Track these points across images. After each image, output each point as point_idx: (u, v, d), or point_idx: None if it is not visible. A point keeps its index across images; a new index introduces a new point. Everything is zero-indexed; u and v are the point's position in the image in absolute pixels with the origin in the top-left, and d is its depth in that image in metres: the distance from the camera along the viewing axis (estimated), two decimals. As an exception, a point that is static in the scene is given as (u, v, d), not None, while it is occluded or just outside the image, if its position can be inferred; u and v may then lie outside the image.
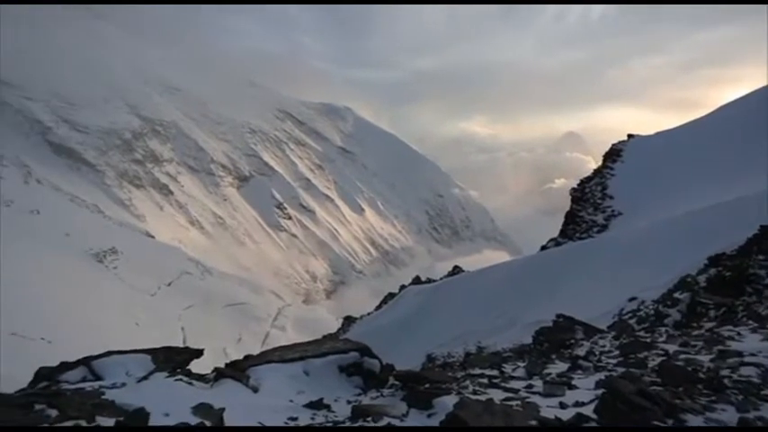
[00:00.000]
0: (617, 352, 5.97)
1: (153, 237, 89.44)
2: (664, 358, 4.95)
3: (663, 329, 7.29)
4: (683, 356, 4.95)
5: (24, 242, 62.11)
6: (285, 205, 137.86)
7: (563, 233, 21.56)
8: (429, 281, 24.28)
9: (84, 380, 5.03)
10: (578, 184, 23.03)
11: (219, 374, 5.23)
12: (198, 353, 6.03)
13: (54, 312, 52.75)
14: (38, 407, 3.45)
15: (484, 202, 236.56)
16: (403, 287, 24.29)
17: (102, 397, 3.97)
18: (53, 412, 3.40)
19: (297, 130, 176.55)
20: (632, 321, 8.73)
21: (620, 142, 24.07)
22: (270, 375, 5.25)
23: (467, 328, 13.69)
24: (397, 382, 5.13)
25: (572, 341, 7.60)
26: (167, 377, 5.07)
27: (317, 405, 4.47)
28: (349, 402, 4.65)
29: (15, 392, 4.18)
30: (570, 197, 22.76)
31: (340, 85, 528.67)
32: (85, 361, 5.33)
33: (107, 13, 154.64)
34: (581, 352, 6.49)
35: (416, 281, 25.07)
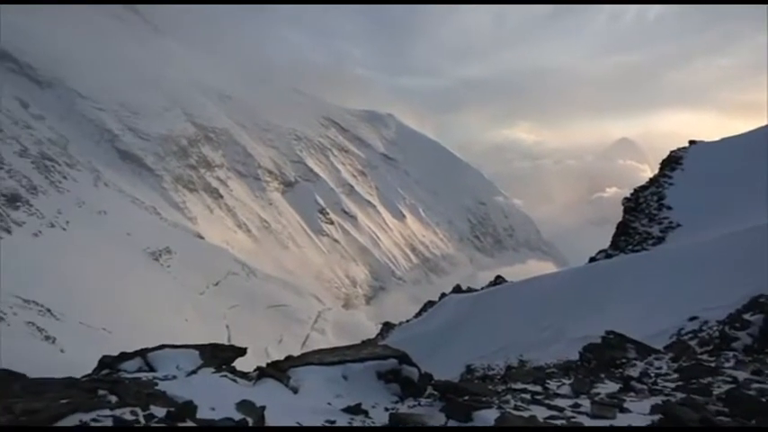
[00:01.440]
0: (676, 375, 5.56)
1: (203, 238, 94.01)
2: (732, 386, 4.54)
3: (730, 354, 6.70)
4: (755, 385, 4.51)
5: (92, 239, 67.37)
6: (328, 210, 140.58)
7: (614, 245, 20.45)
8: (470, 290, 23.80)
9: (139, 370, 5.39)
10: (632, 194, 21.73)
11: (262, 373, 5.41)
12: (242, 351, 6.28)
13: (114, 305, 56.68)
14: (101, 392, 3.73)
15: (528, 210, 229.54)
16: (443, 295, 23.96)
17: (156, 388, 4.22)
18: (113, 398, 3.66)
19: (340, 137, 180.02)
20: (693, 343, 8.10)
21: (680, 149, 22.50)
22: (309, 377, 5.35)
23: (509, 341, 13.29)
24: (435, 392, 5.06)
25: (623, 360, 7.18)
26: (213, 373, 5.32)
27: (354, 410, 4.50)
28: (387, 410, 4.64)
29: (82, 377, 4.57)
30: (623, 207, 21.53)
31: (383, 92, 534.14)
32: (142, 352, 5.71)
33: (169, 30, 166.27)
34: (634, 373, 6.11)
35: (457, 289, 24.64)
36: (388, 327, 25.33)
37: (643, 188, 21.41)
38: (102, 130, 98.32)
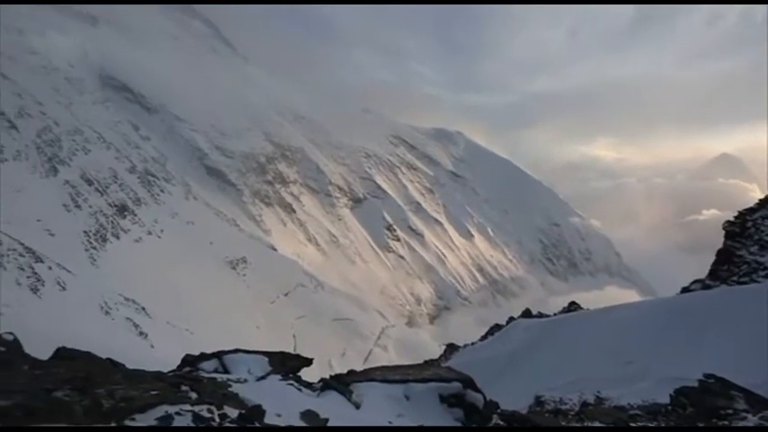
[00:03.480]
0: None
1: (276, 250, 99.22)
2: None
3: None
4: None
5: (181, 247, 74.25)
6: (395, 227, 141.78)
7: (713, 274, 18.09)
8: (541, 315, 22.44)
9: (216, 370, 5.81)
10: (736, 217, 18.97)
11: (326, 385, 5.54)
12: (308, 361, 6.51)
13: (196, 307, 61.57)
14: (183, 388, 4.07)
15: (608, 232, 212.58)
16: (511, 319, 22.82)
17: (229, 389, 4.51)
18: (193, 395, 3.97)
19: (409, 155, 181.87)
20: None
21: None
22: (371, 393, 5.38)
23: (584, 374, 12.25)
24: (501, 422, 4.83)
25: (729, 411, 6.29)
26: (281, 380, 5.56)
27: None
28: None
29: (168, 372, 5.03)
30: (724, 232, 18.92)
31: (452, 109, 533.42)
32: (218, 354, 6.15)
33: (254, 58, 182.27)
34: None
35: (527, 314, 23.36)
36: (451, 348, 24.63)
37: (752, 210, 18.67)
38: (195, 149, 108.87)
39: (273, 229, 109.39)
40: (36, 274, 42.45)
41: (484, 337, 23.63)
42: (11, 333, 5.80)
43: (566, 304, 24.12)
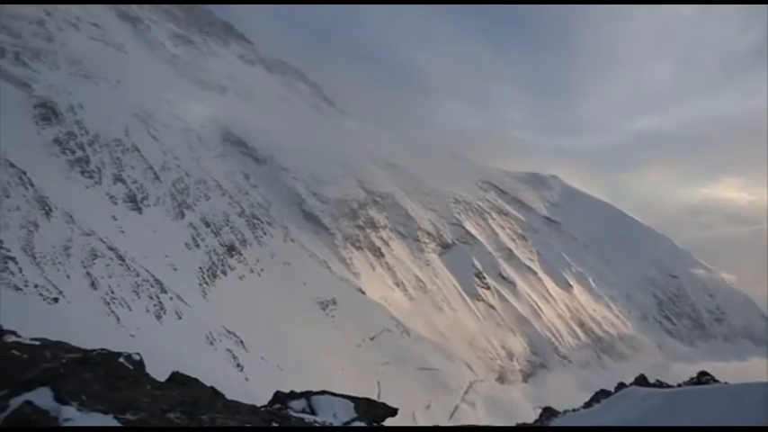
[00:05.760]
0: None
1: (364, 293, 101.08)
2: None
3: None
4: None
5: (278, 286, 79.57)
6: (485, 275, 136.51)
7: None
8: (660, 384, 19.23)
9: (303, 410, 5.96)
10: None
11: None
12: (393, 411, 6.36)
13: (287, 345, 64.38)
14: (274, 424, 4.26)
15: (745, 288, 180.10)
16: (622, 385, 19.94)
17: (314, 431, 4.58)
18: (280, 433, 4.12)
19: (499, 200, 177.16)
20: None
21: None
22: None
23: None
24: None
25: None
26: (365, 428, 5.50)
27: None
28: None
29: (261, 407, 5.31)
30: None
31: (545, 153, 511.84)
32: (307, 395, 6.33)
33: (350, 111, 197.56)
34: None
35: (641, 381, 20.22)
36: (549, 413, 22.19)
37: None
38: (294, 195, 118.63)
39: (363, 273, 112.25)
40: (161, 303, 48.48)
41: (588, 404, 20.87)
42: (138, 353, 6.68)
43: (693, 373, 20.42)
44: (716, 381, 18.56)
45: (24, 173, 46.63)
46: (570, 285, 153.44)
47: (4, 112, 60.39)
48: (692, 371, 21.08)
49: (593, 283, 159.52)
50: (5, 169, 44.89)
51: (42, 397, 5.16)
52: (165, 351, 33.65)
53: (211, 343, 49.53)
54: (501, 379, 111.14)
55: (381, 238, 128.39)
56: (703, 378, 19.17)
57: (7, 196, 42.72)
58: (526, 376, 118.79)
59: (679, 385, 18.61)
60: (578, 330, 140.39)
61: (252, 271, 78.62)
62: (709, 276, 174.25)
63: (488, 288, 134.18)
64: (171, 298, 50.62)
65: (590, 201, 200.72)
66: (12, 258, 36.79)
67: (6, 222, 40.21)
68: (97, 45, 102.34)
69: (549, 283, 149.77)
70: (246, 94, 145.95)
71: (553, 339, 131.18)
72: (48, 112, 68.01)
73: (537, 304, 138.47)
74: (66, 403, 5.16)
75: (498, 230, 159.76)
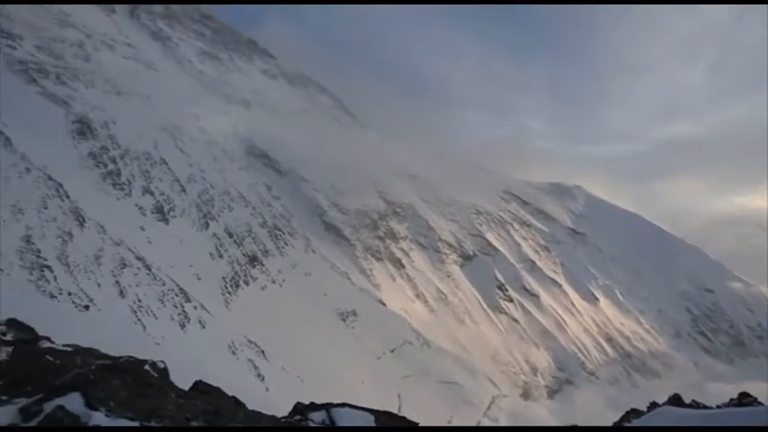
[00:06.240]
0: None
1: (384, 305, 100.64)
2: None
3: None
4: None
5: (299, 297, 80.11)
6: (507, 287, 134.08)
7: None
8: (697, 405, 18.26)
9: (323, 422, 5.95)
10: None
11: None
12: (414, 427, 6.27)
13: (308, 356, 64.47)
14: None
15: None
16: (655, 405, 19.06)
17: (335, 443, 4.57)
18: (302, 445, 4.12)
19: (522, 211, 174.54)
20: None
21: None
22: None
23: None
24: None
25: None
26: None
27: None
28: None
29: (281, 417, 5.33)
30: None
31: (569, 163, 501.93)
32: (327, 407, 6.32)
33: (370, 124, 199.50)
34: None
35: (675, 401, 19.22)
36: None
37: None
38: (316, 206, 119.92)
39: (383, 284, 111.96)
40: (185, 312, 49.46)
41: (618, 423, 20.06)
42: (162, 361, 6.84)
43: (733, 394, 19.35)
44: (760, 403, 17.48)
45: (61, 185, 48.80)
46: (596, 298, 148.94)
47: (45, 129, 63.77)
48: (730, 391, 19.97)
49: (620, 297, 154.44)
50: (44, 182, 47.12)
51: (73, 402, 5.35)
52: (188, 359, 34.20)
53: (233, 352, 50.08)
54: (525, 395, 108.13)
55: (402, 249, 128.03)
56: (745, 399, 18.07)
57: (45, 208, 44.74)
58: (552, 392, 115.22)
59: (718, 407, 17.64)
60: (606, 345, 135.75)
61: (273, 281, 79.48)
62: (747, 290, 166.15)
63: (511, 300, 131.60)
64: (195, 307, 51.61)
65: (616, 211, 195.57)
66: (48, 267, 38.36)
67: (44, 233, 42.04)
68: (130, 63, 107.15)
69: (574, 296, 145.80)
70: (269, 107, 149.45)
71: (579, 354, 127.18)
72: (83, 128, 71.25)
73: (562, 317, 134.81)
74: (95, 409, 5.33)
75: (521, 242, 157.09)
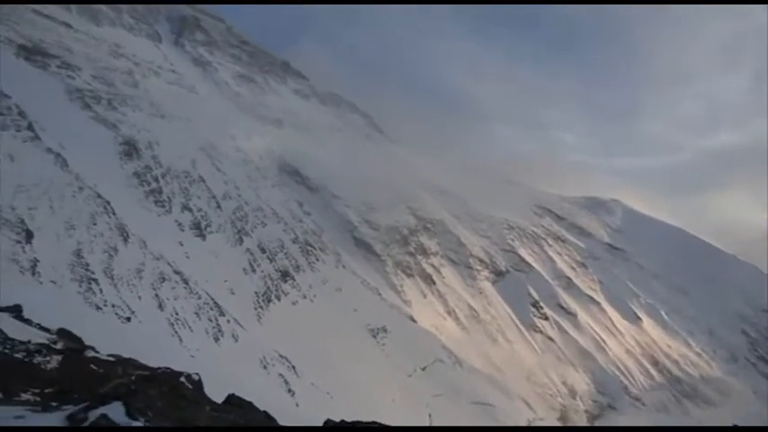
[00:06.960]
0: None
1: (415, 321, 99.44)
2: None
3: None
4: None
5: (330, 312, 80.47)
6: (542, 304, 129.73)
7: None
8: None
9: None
10: None
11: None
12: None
13: (337, 372, 64.28)
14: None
15: None
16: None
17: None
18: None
19: (556, 226, 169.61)
20: None
21: None
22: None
23: None
24: None
25: None
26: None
27: None
28: None
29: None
30: None
31: (605, 176, 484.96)
32: (356, 425, 6.28)
33: (399, 140, 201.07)
34: None
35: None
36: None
37: None
38: (346, 222, 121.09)
39: (413, 300, 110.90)
40: (219, 326, 50.66)
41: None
42: (197, 374, 7.03)
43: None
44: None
45: (108, 203, 51.73)
46: (639, 318, 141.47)
47: (96, 151, 68.26)
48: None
49: (665, 317, 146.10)
50: (94, 200, 50.12)
51: (116, 411, 5.59)
52: (221, 372, 34.87)
53: (265, 367, 50.65)
54: (563, 419, 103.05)
55: (432, 265, 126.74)
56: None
57: (94, 224, 47.47)
58: (592, 417, 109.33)
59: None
60: (651, 369, 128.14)
61: (304, 297, 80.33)
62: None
63: (546, 319, 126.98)
64: (228, 321, 52.78)
65: (658, 226, 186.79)
66: (95, 280, 40.47)
67: (92, 247, 44.52)
68: (173, 88, 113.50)
69: (614, 315, 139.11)
70: (302, 126, 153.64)
71: (622, 378, 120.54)
72: (130, 149, 75.59)
73: (601, 338, 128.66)
74: (135, 419, 5.55)
75: (556, 258, 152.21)
